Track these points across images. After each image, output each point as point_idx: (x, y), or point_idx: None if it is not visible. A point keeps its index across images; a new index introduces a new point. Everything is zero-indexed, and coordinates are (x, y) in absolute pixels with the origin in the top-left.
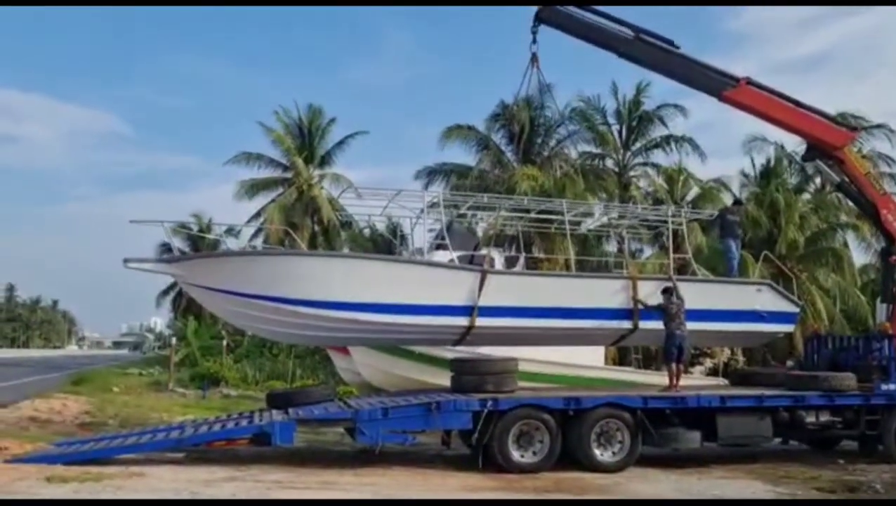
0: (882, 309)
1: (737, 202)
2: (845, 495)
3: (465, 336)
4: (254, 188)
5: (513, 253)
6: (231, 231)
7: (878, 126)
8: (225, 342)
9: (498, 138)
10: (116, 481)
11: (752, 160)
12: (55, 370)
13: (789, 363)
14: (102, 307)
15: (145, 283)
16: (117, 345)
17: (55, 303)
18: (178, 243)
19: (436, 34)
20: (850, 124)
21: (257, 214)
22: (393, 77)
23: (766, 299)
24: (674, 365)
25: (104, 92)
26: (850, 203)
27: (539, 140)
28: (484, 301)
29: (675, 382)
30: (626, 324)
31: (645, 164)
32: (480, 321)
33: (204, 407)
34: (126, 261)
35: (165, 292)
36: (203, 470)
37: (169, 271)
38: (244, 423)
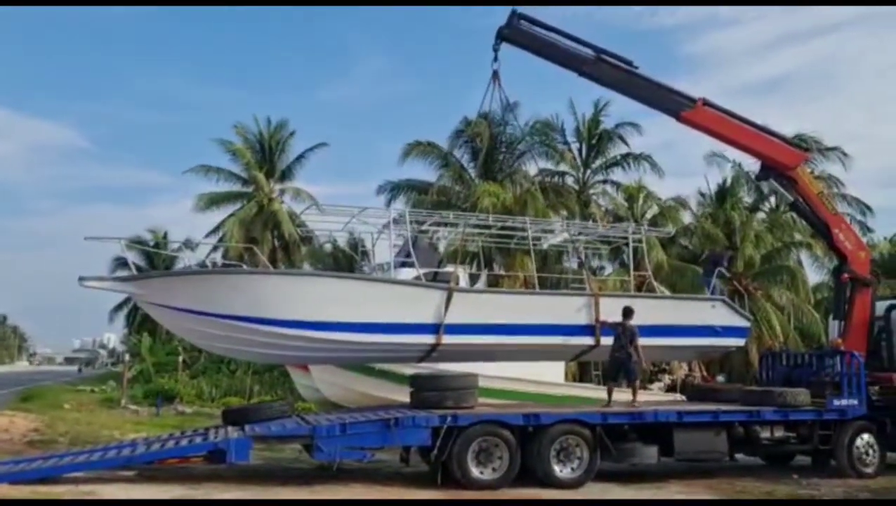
0: (834, 326)
1: (728, 249)
2: None
3: (430, 353)
4: (213, 202)
5: (474, 270)
6: (188, 245)
7: (831, 149)
8: (181, 358)
9: (460, 155)
10: (65, 499)
11: (707, 180)
12: (3, 387)
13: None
14: (55, 323)
15: (99, 298)
16: (69, 361)
17: (4, 318)
18: (134, 259)
19: (406, 54)
20: (802, 145)
21: (216, 229)
22: (361, 97)
23: (720, 315)
24: (634, 383)
25: (65, 106)
26: (804, 222)
27: (500, 157)
28: (450, 319)
29: (635, 397)
30: (589, 340)
31: (605, 181)
32: (446, 339)
33: (157, 424)
34: (82, 279)
35: (119, 308)
36: (155, 488)
37: (127, 290)
38: (198, 440)
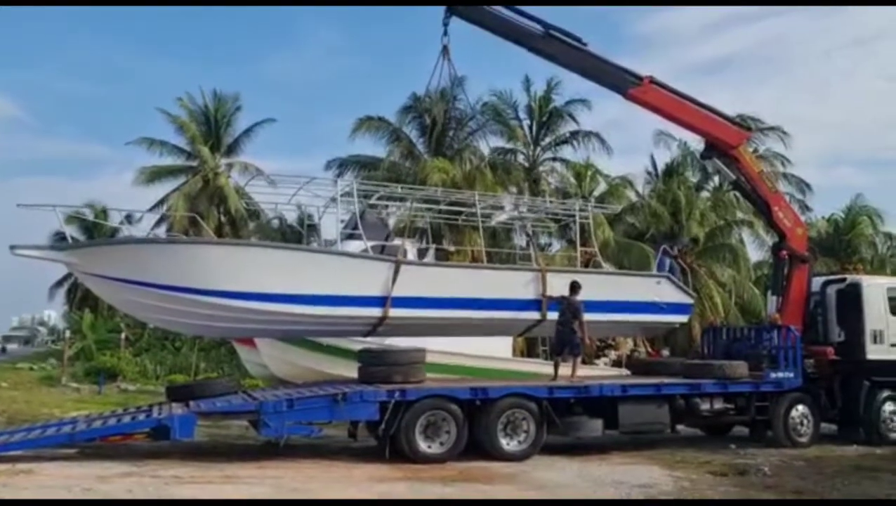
0: (773, 301)
1: (681, 245)
2: (736, 478)
3: (377, 327)
4: (156, 175)
5: (423, 245)
6: (130, 219)
7: (772, 128)
8: (123, 335)
9: (410, 130)
10: (2, 479)
11: (653, 159)
12: None
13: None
14: None
15: (37, 274)
16: (7, 339)
17: None
18: (74, 234)
19: (357, 29)
20: (745, 125)
21: (160, 203)
22: (311, 72)
23: (665, 291)
24: (576, 358)
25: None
26: (746, 201)
27: (451, 133)
28: (397, 291)
29: (575, 372)
30: (535, 315)
31: (554, 159)
32: (393, 312)
33: (100, 402)
34: (13, 248)
35: (59, 284)
36: (97, 466)
37: (61, 259)
38: (141, 417)
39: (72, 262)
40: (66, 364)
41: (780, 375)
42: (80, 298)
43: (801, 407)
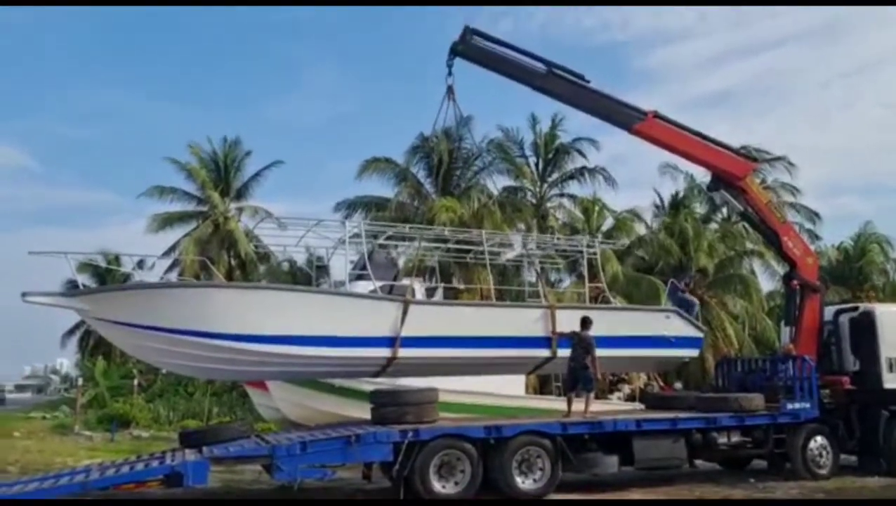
0: (786, 332)
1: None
2: None
3: (387, 367)
4: (167, 222)
5: (432, 284)
6: (142, 265)
7: (779, 158)
8: (136, 381)
9: (417, 170)
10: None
11: (658, 193)
12: None
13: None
14: (3, 349)
15: (49, 322)
16: (20, 388)
17: None
18: (86, 281)
19: (356, 69)
20: (751, 156)
21: (171, 249)
22: (314, 114)
23: (674, 326)
24: (588, 394)
25: (7, 125)
26: (756, 232)
27: (457, 172)
28: (406, 332)
29: (588, 408)
30: (545, 352)
31: (561, 195)
32: (403, 352)
33: (112, 450)
34: (25, 295)
35: (71, 332)
36: None
37: (73, 306)
38: (154, 464)
39: (83, 308)
40: (79, 412)
41: (797, 406)
42: (92, 345)
43: (819, 438)
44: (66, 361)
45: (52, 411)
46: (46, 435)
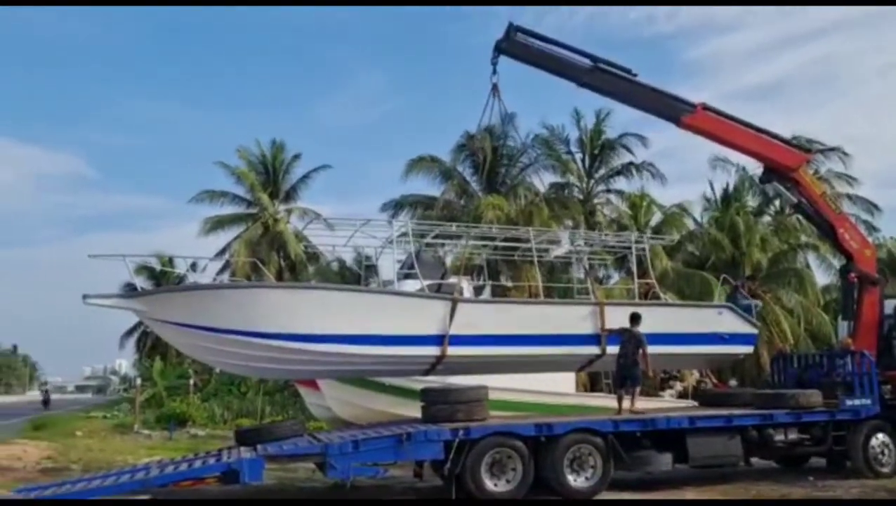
0: (844, 326)
1: (749, 277)
2: None
3: (435, 366)
4: (218, 224)
5: (480, 282)
6: (195, 267)
7: (832, 149)
8: (192, 381)
9: (462, 169)
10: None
11: (712, 185)
12: (15, 416)
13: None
14: (65, 351)
15: (108, 324)
16: (81, 389)
17: (15, 348)
18: (143, 284)
19: (405, 71)
20: (804, 146)
21: (223, 251)
22: (361, 115)
23: (727, 322)
24: (634, 389)
25: (65, 134)
26: (810, 224)
27: (503, 170)
28: (455, 330)
29: (634, 404)
30: (595, 349)
31: (608, 191)
32: (452, 350)
33: (170, 448)
34: (86, 297)
35: (129, 333)
36: None
37: (131, 307)
38: (211, 461)
39: (140, 309)
40: (138, 411)
41: (857, 402)
42: (149, 346)
43: (881, 435)
44: (125, 362)
45: (111, 410)
46: (107, 434)
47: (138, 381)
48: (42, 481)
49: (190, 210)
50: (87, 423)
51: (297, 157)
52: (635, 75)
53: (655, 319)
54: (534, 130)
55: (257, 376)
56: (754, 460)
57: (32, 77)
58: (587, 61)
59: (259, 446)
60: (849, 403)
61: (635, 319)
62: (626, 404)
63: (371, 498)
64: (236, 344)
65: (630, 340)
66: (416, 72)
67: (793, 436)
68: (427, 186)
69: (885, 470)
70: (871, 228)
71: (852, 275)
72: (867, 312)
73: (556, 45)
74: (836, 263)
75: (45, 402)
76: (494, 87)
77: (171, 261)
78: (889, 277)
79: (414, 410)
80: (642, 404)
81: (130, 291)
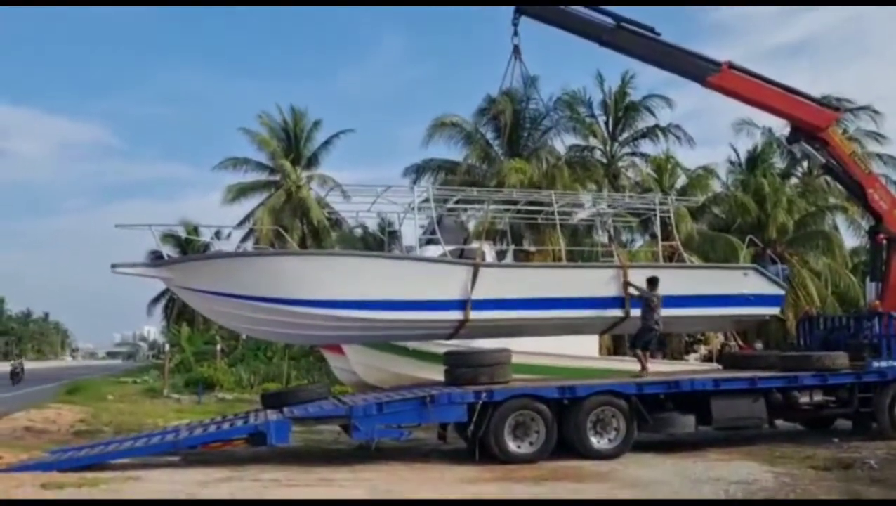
0: (871, 288)
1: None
2: (840, 473)
3: (459, 330)
4: (241, 192)
5: (503, 246)
6: (219, 235)
7: (862, 108)
8: (219, 347)
9: (485, 132)
10: (113, 486)
11: (734, 148)
12: (49, 381)
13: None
14: (95, 318)
15: (136, 291)
16: (111, 355)
17: (46, 315)
18: (168, 251)
19: (426, 36)
20: (833, 105)
21: (246, 219)
22: (382, 81)
23: (753, 283)
24: (640, 351)
25: (91, 104)
26: (838, 186)
27: (525, 133)
28: (477, 294)
29: (645, 366)
30: (618, 312)
31: (633, 154)
32: (474, 315)
33: (199, 411)
34: (114, 266)
35: (156, 300)
36: (199, 472)
37: (158, 275)
38: (239, 423)
39: (167, 277)
40: (167, 376)
41: (884, 364)
42: (176, 313)
43: None
44: (153, 329)
45: (141, 376)
46: (137, 398)
47: (167, 347)
48: (75, 443)
49: (215, 178)
50: (118, 388)
51: (317, 123)
52: (658, 34)
53: (680, 282)
54: (556, 94)
55: (283, 342)
56: (779, 422)
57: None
58: (609, 20)
59: (285, 409)
60: (875, 365)
61: (652, 282)
62: (656, 366)
63: (396, 460)
64: (262, 311)
65: (660, 300)
66: (439, 38)
67: (818, 398)
68: (449, 150)
69: None
70: None
71: (881, 236)
72: (895, 274)
73: (577, 3)
74: (865, 224)
75: (14, 375)
76: (516, 49)
77: (195, 229)
78: None
79: (438, 373)
80: (664, 367)
81: (157, 259)
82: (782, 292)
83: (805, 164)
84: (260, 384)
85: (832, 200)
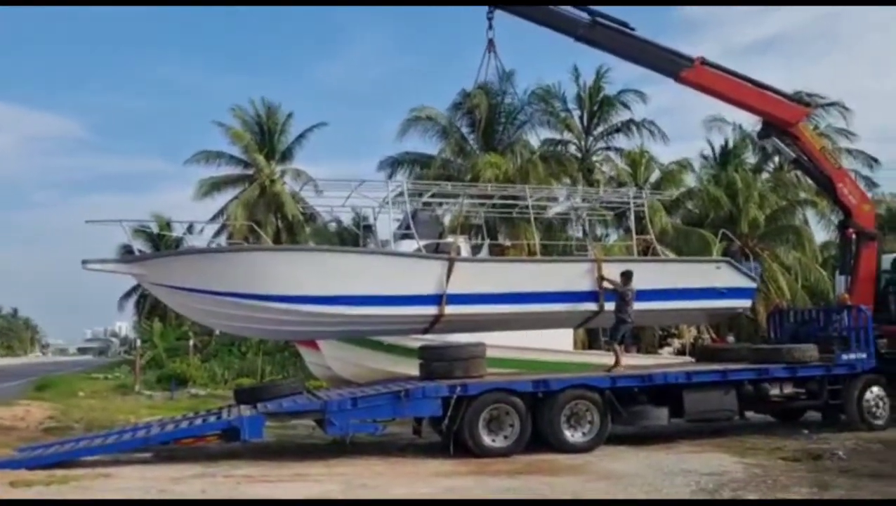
0: (841, 281)
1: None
2: (810, 463)
3: (434, 324)
4: (214, 186)
5: (478, 241)
6: (192, 229)
7: (832, 104)
8: (192, 343)
9: (459, 127)
10: (83, 483)
11: (710, 143)
12: (18, 378)
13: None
14: (65, 314)
15: (107, 287)
16: (82, 351)
17: (15, 311)
18: (140, 246)
19: (405, 30)
20: (803, 100)
21: (219, 213)
22: (359, 75)
23: (725, 276)
24: (617, 345)
25: (60, 97)
26: (809, 181)
27: (500, 127)
28: (452, 289)
29: (619, 360)
30: (592, 306)
31: (607, 148)
32: (449, 309)
33: (172, 407)
34: (85, 262)
35: (128, 295)
36: (171, 468)
37: (130, 272)
38: (212, 419)
39: (139, 273)
40: (139, 372)
41: (853, 356)
42: (148, 308)
43: (875, 389)
44: (125, 325)
45: (112, 372)
46: (109, 394)
47: (138, 343)
48: (45, 441)
49: (188, 172)
50: (89, 384)
51: (290, 115)
52: (633, 30)
53: (654, 275)
54: (531, 88)
55: (258, 338)
56: (750, 414)
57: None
58: (584, 15)
59: (259, 404)
60: (845, 357)
61: (626, 276)
62: (629, 360)
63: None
64: (236, 307)
65: (633, 294)
66: (416, 33)
67: (788, 390)
68: (424, 144)
69: (879, 423)
70: (871, 184)
71: (850, 230)
72: (864, 267)
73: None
74: (835, 218)
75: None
76: (490, 43)
77: (168, 224)
78: (887, 232)
79: (413, 368)
80: (638, 361)
81: (128, 254)
82: (754, 285)
83: (776, 159)
84: (234, 380)
85: (802, 195)
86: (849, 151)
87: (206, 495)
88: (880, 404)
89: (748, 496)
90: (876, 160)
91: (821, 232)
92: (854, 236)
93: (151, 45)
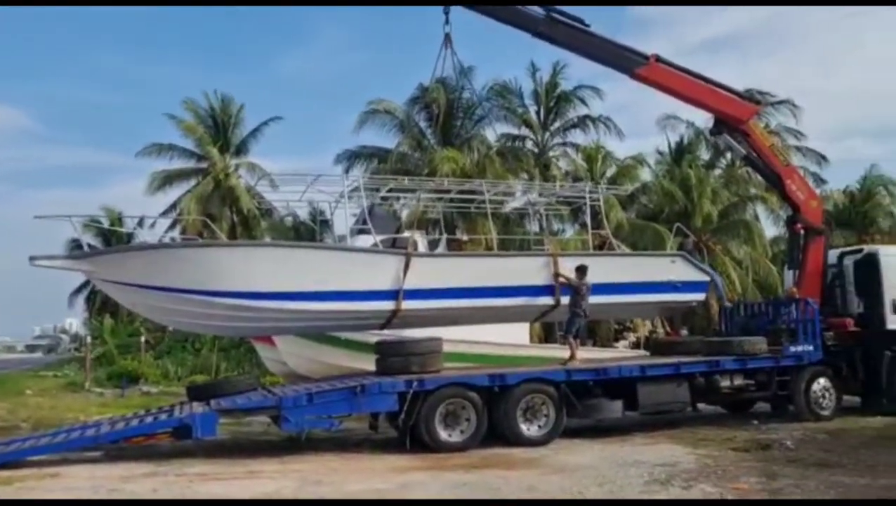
0: (789, 275)
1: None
2: (759, 453)
3: (391, 320)
4: (167, 180)
5: (435, 236)
6: (143, 224)
7: (783, 102)
8: (144, 339)
9: (418, 121)
10: (29, 483)
11: (668, 139)
12: None
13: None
14: (13, 310)
15: (56, 283)
16: (31, 348)
17: None
18: (90, 240)
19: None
20: (754, 98)
21: (173, 207)
22: (318, 70)
23: (680, 270)
24: (572, 339)
25: (6, 88)
26: (760, 177)
27: (458, 122)
28: (409, 284)
29: (575, 354)
30: (549, 300)
31: (564, 144)
32: (406, 304)
33: (123, 405)
34: (33, 259)
35: (78, 291)
36: (121, 467)
37: (80, 268)
38: (163, 417)
39: (89, 270)
40: (89, 370)
41: (800, 348)
42: (99, 304)
43: (822, 380)
44: (75, 321)
45: (61, 369)
46: (58, 392)
47: (88, 339)
48: None
49: (139, 165)
50: (38, 382)
51: (241, 107)
52: (588, 26)
53: (610, 269)
54: (488, 84)
55: (212, 334)
56: (701, 405)
57: None
58: (540, 11)
59: (212, 401)
60: (792, 349)
61: (581, 270)
62: (586, 354)
63: (327, 450)
64: (190, 303)
65: (589, 289)
66: (376, 26)
67: (738, 382)
68: (381, 138)
69: (825, 413)
70: (820, 180)
71: (798, 225)
72: (812, 262)
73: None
74: (784, 214)
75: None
76: (447, 37)
77: (119, 219)
78: (835, 228)
79: (370, 363)
80: (594, 354)
81: (77, 249)
82: (707, 279)
83: (728, 155)
84: (188, 377)
85: (753, 191)
86: (798, 149)
87: (158, 494)
88: (827, 395)
89: (699, 486)
90: (824, 157)
91: (771, 227)
92: (802, 232)
93: (106, 36)
